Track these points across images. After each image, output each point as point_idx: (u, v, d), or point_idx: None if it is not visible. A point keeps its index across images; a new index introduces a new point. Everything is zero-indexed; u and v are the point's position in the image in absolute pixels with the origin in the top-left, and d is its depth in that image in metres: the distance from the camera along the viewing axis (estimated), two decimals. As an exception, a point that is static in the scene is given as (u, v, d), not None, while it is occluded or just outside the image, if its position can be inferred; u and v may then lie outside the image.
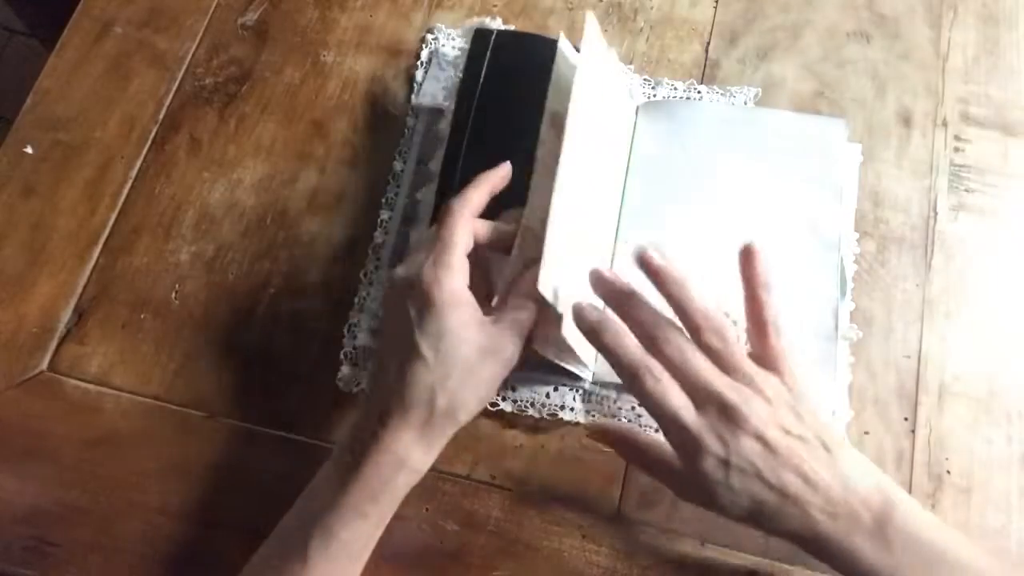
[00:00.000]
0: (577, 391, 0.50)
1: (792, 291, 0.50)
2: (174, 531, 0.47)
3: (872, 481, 0.38)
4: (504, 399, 0.49)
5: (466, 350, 0.40)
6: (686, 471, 0.37)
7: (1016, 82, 0.59)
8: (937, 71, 0.59)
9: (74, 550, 0.47)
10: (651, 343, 0.38)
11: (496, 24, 0.59)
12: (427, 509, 0.47)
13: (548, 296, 0.40)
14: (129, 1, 0.60)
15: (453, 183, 0.50)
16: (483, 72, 0.52)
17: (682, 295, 0.39)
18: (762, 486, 0.36)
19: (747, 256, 0.41)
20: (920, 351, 0.51)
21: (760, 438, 0.36)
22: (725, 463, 0.36)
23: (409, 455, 0.40)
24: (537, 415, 0.49)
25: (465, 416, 0.41)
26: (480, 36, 0.54)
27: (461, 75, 0.54)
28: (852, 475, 0.37)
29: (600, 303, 0.41)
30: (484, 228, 0.44)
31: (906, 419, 0.49)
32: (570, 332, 0.43)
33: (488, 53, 0.53)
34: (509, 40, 0.54)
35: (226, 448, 0.49)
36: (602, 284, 0.40)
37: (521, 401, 0.49)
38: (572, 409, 0.49)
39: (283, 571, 0.40)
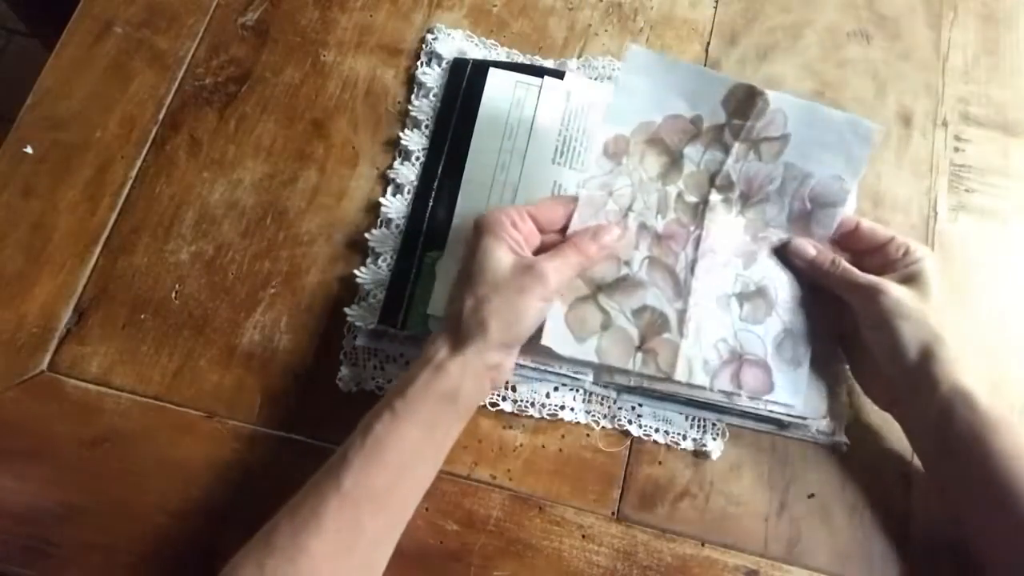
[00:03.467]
0: (577, 391, 0.50)
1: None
2: (174, 531, 0.47)
3: None
4: (504, 399, 0.49)
5: (500, 264, 0.43)
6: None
7: (1016, 82, 0.59)
8: (937, 71, 0.59)
9: (74, 550, 0.47)
10: None
11: (485, 45, 0.59)
12: (427, 509, 0.48)
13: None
14: (129, 1, 0.60)
15: (428, 200, 0.54)
16: (459, 98, 0.56)
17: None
18: None
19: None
20: (920, 351, 0.51)
21: None
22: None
23: (436, 353, 0.42)
24: (537, 415, 0.49)
25: (497, 333, 0.42)
26: (457, 66, 0.57)
27: (439, 102, 0.56)
28: None
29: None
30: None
31: (906, 419, 0.49)
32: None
33: (464, 82, 0.56)
34: (482, 69, 0.56)
35: (226, 448, 0.49)
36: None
37: (521, 401, 0.49)
38: (572, 409, 0.50)
39: (327, 474, 0.41)
